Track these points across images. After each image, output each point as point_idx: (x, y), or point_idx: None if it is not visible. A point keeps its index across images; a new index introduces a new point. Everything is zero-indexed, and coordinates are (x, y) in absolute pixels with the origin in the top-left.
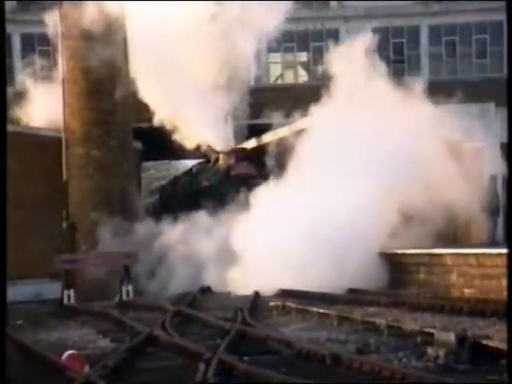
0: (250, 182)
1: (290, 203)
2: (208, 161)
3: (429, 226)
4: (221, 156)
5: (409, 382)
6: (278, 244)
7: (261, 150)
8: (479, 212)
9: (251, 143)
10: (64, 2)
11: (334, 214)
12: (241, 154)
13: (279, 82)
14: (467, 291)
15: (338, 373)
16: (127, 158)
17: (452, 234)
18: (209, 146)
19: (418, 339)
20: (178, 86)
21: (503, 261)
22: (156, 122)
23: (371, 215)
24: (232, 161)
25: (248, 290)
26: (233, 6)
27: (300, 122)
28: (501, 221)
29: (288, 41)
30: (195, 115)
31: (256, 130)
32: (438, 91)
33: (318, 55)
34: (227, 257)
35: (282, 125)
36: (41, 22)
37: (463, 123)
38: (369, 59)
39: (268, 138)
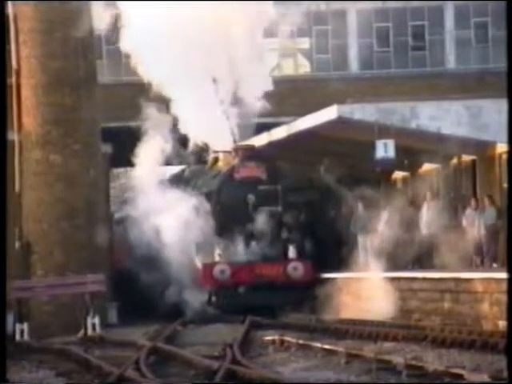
0: (259, 188)
1: None
2: (204, 162)
3: None
4: (221, 156)
5: None
6: None
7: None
8: None
9: (261, 139)
10: None
11: None
12: (247, 153)
13: (276, 73)
14: (502, 323)
15: None
16: (94, 163)
17: None
18: (205, 145)
19: (445, 381)
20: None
21: None
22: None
23: None
24: (236, 161)
25: None
26: None
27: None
28: None
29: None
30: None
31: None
32: None
33: (323, 41)
34: None
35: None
36: None
37: None
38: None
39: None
